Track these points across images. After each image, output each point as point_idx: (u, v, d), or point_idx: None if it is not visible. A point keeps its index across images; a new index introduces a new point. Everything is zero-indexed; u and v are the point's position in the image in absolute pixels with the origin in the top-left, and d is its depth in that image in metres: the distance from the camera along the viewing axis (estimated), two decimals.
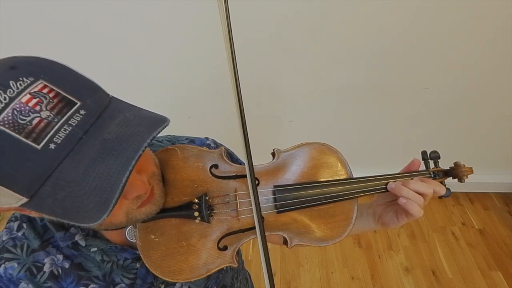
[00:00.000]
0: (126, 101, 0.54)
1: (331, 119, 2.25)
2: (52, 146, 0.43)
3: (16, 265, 0.61)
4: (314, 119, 2.25)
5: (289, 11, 1.71)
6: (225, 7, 0.59)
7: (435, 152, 0.82)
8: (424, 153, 0.83)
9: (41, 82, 0.44)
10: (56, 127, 0.43)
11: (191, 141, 0.82)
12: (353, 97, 2.10)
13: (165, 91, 2.12)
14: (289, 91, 2.09)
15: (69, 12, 1.71)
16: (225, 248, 0.68)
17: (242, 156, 0.76)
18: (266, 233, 0.66)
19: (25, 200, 0.44)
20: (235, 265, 0.68)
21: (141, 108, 0.53)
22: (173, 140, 0.82)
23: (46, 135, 0.42)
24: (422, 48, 1.84)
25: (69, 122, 0.44)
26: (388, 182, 0.75)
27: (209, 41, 1.83)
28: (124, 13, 1.73)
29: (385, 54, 1.87)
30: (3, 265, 0.61)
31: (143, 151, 0.45)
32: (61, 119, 0.44)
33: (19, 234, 0.64)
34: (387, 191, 0.75)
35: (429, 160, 0.82)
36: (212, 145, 0.82)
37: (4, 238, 0.64)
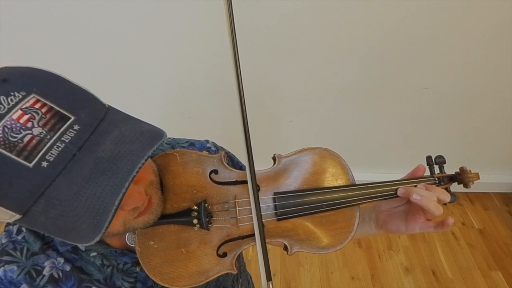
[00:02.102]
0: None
1: (331, 119, 2.25)
2: (44, 164, 0.42)
3: (15, 268, 0.61)
4: (314, 119, 2.25)
5: (289, 11, 1.71)
6: (229, 8, 0.58)
7: (440, 157, 0.80)
8: (429, 158, 0.81)
9: (33, 97, 0.44)
10: (49, 144, 0.43)
11: (191, 144, 0.81)
12: (353, 97, 2.10)
13: (165, 91, 2.11)
14: (289, 91, 2.09)
15: (69, 11, 1.71)
16: (224, 255, 0.67)
17: (242, 159, 0.75)
18: (266, 240, 0.65)
19: (18, 216, 0.44)
20: (235, 272, 0.67)
21: (138, 120, 0.52)
22: (173, 144, 0.81)
23: (38, 153, 0.42)
24: (422, 48, 1.84)
25: (62, 138, 0.44)
26: (392, 188, 0.73)
27: (209, 41, 1.83)
28: (124, 13, 1.72)
29: (385, 54, 1.87)
30: (2, 267, 0.61)
31: (137, 172, 0.44)
32: (53, 136, 0.43)
33: (19, 237, 0.64)
34: (391, 197, 0.74)
35: (434, 166, 0.80)
36: (213, 148, 0.82)
37: (4, 241, 0.64)
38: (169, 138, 0.83)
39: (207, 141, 0.84)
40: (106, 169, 0.44)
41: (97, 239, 0.44)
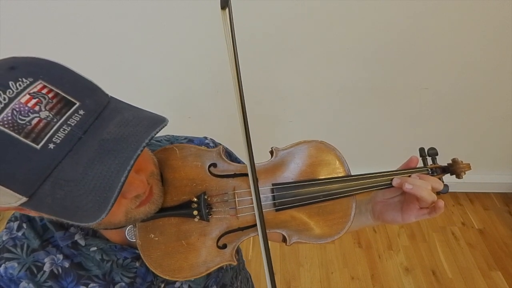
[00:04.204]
0: (127, 101, 0.54)
1: (331, 119, 2.26)
2: (51, 146, 0.43)
3: (16, 264, 0.61)
4: (314, 119, 2.26)
5: (289, 11, 1.71)
6: (229, 11, 0.59)
7: (433, 149, 0.82)
8: (422, 150, 0.83)
9: (40, 83, 0.45)
10: (55, 127, 0.43)
11: (190, 140, 0.82)
12: (353, 97, 2.10)
13: (165, 91, 2.12)
14: (289, 91, 2.09)
15: (69, 11, 1.72)
16: (224, 246, 0.68)
17: (242, 156, 0.76)
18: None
19: (24, 199, 0.44)
20: (235, 263, 0.68)
21: (140, 108, 0.53)
22: (172, 140, 0.82)
23: (45, 135, 0.43)
24: (422, 48, 1.84)
25: (68, 122, 0.44)
26: (386, 178, 0.75)
27: (209, 41, 1.83)
28: (124, 13, 1.73)
29: (385, 54, 1.88)
30: (3, 264, 0.61)
31: (142, 150, 0.45)
32: (60, 119, 0.44)
33: (19, 234, 0.64)
34: (386, 187, 0.75)
35: (427, 157, 0.83)
36: (211, 144, 0.82)
37: (4, 238, 0.64)
38: (168, 135, 0.84)
39: (206, 138, 0.84)
40: (111, 149, 0.45)
41: (103, 216, 0.44)
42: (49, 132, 0.43)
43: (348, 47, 1.86)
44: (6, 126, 0.41)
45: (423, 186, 0.70)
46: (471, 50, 1.84)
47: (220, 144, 0.83)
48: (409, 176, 0.75)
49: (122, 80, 2.03)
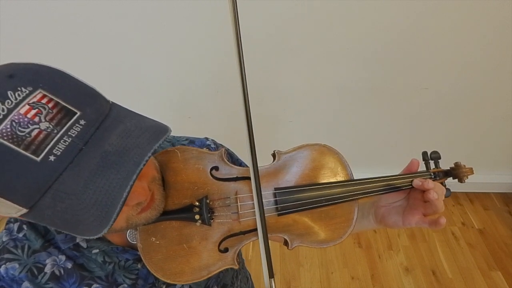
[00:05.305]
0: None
1: (331, 119, 2.25)
2: (51, 158, 0.42)
3: (17, 265, 0.61)
4: (314, 119, 2.25)
5: (289, 11, 1.71)
6: (234, 8, 0.59)
7: (435, 152, 0.82)
8: (424, 153, 0.82)
9: (40, 92, 0.44)
10: (56, 138, 0.43)
11: (191, 141, 0.82)
12: (353, 97, 2.10)
13: (165, 91, 2.12)
14: (289, 91, 2.09)
15: (69, 11, 1.71)
16: (226, 250, 0.68)
17: (243, 157, 0.75)
18: (267, 235, 0.66)
19: (24, 211, 0.44)
20: (236, 267, 0.68)
21: (142, 116, 0.52)
22: (173, 141, 0.81)
23: (45, 147, 0.42)
24: (422, 48, 1.84)
25: (69, 133, 0.44)
26: (389, 183, 0.75)
27: (210, 41, 1.83)
28: (124, 13, 1.73)
29: (385, 54, 1.88)
30: (3, 265, 0.61)
31: (144, 165, 0.45)
32: (60, 130, 0.43)
33: (20, 235, 0.64)
34: (389, 192, 0.75)
35: (430, 161, 0.82)
36: (212, 145, 0.82)
37: (5, 239, 0.64)
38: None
39: (207, 139, 0.84)
40: (113, 162, 0.45)
41: (105, 231, 0.44)
42: (49, 143, 0.42)
43: (348, 47, 1.86)
44: (6, 138, 0.41)
45: (441, 197, 0.70)
46: (471, 50, 1.84)
47: (222, 146, 0.83)
48: (412, 180, 0.75)
49: (122, 80, 2.03)
